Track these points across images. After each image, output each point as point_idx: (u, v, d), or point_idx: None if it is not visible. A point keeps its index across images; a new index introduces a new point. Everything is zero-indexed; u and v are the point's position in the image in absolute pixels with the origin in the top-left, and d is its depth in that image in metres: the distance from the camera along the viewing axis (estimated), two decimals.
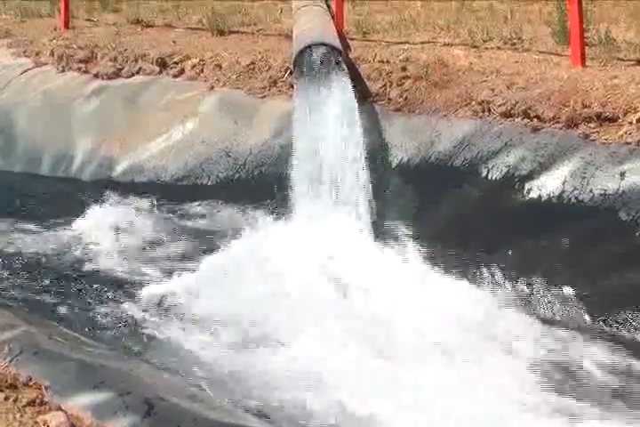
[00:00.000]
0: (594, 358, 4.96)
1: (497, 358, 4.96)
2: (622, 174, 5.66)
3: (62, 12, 10.45)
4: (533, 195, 5.99)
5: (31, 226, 7.10)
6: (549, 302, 5.57)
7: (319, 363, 4.81)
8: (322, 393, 4.51)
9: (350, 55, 7.68)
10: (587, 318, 5.41)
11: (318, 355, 4.90)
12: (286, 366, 4.85)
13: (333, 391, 4.52)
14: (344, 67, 6.87)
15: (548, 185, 5.96)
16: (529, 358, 4.97)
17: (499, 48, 7.85)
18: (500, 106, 6.52)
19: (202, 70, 8.32)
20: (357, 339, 5.10)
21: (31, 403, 3.24)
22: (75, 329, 4.96)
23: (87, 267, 6.36)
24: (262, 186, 7.24)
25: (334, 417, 4.32)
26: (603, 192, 5.68)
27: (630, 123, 5.94)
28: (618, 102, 6.11)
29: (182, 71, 8.43)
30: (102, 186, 7.73)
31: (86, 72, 8.89)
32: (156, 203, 7.38)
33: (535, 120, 6.33)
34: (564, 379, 4.81)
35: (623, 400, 4.58)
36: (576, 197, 5.79)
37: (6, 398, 3.26)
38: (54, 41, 9.64)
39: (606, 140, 5.94)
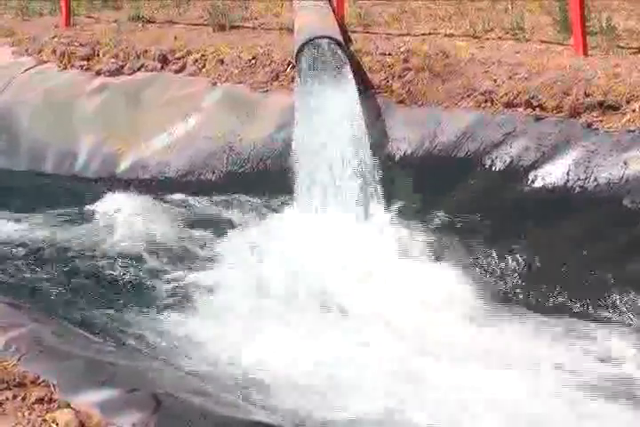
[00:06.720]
0: None
1: None
2: (626, 162, 5.66)
3: (63, 9, 10.45)
4: (537, 184, 5.99)
5: None
6: None
7: None
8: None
9: (352, 48, 7.67)
10: None
11: None
12: None
13: None
14: (346, 60, 6.87)
15: (551, 174, 5.96)
16: None
17: (500, 38, 7.84)
18: (502, 96, 6.52)
19: (204, 66, 8.31)
20: None
21: (39, 401, 3.25)
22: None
23: None
24: (265, 179, 7.26)
25: None
26: (606, 181, 5.68)
27: (633, 111, 5.95)
28: (620, 90, 6.11)
29: (184, 67, 8.42)
30: (106, 182, 7.74)
31: (88, 69, 8.89)
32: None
33: (538, 110, 6.33)
34: None
35: None
36: (580, 186, 5.79)
37: (15, 397, 3.27)
38: (56, 39, 9.61)
39: (609, 128, 5.94)
